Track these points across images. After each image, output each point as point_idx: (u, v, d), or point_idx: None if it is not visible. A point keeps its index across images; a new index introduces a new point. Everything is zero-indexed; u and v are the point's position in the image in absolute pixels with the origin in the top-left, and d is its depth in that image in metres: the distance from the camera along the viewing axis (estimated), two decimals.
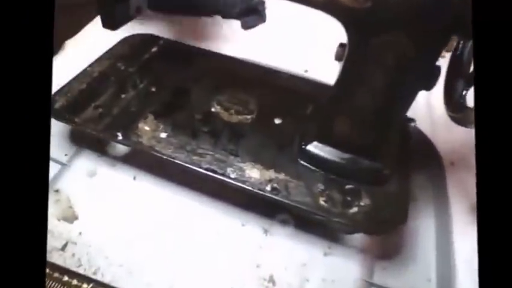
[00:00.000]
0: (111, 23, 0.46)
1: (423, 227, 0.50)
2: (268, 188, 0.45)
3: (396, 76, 0.40)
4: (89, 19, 0.73)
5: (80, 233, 0.47)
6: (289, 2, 0.40)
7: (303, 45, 0.75)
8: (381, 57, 0.39)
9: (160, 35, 0.66)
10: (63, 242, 0.46)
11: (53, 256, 0.45)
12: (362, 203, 0.44)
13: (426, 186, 0.54)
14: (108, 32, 0.65)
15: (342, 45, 0.42)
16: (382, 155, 0.46)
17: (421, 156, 0.55)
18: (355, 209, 0.44)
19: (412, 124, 0.50)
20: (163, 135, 0.49)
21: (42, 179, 0.25)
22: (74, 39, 0.71)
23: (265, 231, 0.48)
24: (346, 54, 0.41)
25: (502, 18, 0.23)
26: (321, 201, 0.44)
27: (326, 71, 0.46)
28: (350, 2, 0.36)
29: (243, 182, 0.45)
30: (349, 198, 0.45)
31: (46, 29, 0.25)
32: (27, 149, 0.25)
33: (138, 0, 0.48)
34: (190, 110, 0.52)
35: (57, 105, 0.50)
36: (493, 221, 0.23)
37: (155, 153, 0.47)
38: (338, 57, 0.43)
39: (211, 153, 0.47)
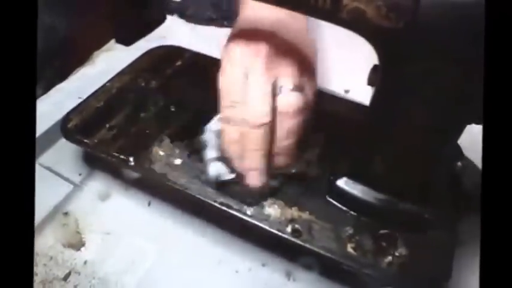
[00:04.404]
0: (126, 38, 0.42)
1: (470, 284, 0.42)
2: (289, 229, 0.39)
3: (439, 109, 0.33)
4: None
5: (85, 262, 0.44)
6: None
7: (344, 60, 0.67)
8: (419, 87, 0.32)
9: (190, 47, 0.60)
10: (66, 271, 0.43)
11: (54, 286, 0.42)
12: (397, 253, 0.38)
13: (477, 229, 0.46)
14: (140, 43, 0.62)
15: (375, 67, 0.36)
16: (424, 196, 0.39)
17: (474, 196, 0.47)
18: (389, 259, 0.37)
19: (459, 164, 0.42)
20: (178, 161, 0.44)
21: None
22: (103, 50, 0.67)
23: (288, 275, 0.43)
24: (379, 80, 0.35)
25: None
26: (349, 248, 0.38)
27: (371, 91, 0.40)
28: (379, 19, 0.30)
29: (261, 220, 0.40)
30: (383, 244, 0.38)
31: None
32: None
33: (157, 11, 0.44)
34: None
35: (70, 125, 0.47)
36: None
37: (167, 183, 0.42)
38: (370, 82, 0.37)
39: None
